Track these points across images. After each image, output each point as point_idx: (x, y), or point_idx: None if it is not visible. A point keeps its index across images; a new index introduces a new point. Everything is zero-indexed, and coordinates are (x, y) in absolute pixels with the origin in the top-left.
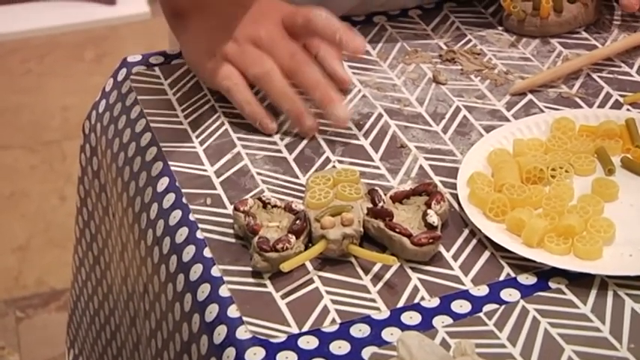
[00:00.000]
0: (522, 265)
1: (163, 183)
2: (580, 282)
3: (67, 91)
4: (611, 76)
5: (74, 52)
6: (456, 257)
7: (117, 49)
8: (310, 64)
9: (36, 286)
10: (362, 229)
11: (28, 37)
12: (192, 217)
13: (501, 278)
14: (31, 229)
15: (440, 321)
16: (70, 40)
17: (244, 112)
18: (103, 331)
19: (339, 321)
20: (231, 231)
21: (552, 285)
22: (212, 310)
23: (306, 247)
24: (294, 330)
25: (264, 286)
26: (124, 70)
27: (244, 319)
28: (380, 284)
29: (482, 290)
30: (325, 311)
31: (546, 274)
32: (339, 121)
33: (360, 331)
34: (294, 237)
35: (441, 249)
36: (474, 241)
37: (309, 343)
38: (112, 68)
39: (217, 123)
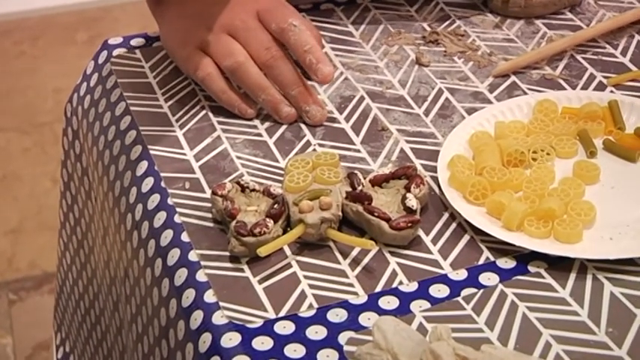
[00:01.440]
0: (502, 249)
1: (142, 167)
2: (559, 266)
3: (59, 74)
4: (595, 57)
5: (67, 33)
6: (435, 241)
7: (110, 31)
8: (285, 60)
9: (28, 268)
10: (340, 213)
11: (22, 18)
12: (170, 201)
13: (480, 262)
14: (24, 211)
15: (417, 305)
16: (64, 21)
17: (221, 101)
18: (88, 315)
19: (316, 306)
20: (209, 215)
21: (531, 269)
22: (189, 295)
23: (285, 232)
24: (271, 315)
25: (242, 270)
26: (104, 53)
27: (221, 304)
28: (358, 269)
29: (461, 274)
30: (302, 296)
31: (525, 258)
32: (314, 120)
33: (337, 315)
34: (271, 221)
35: (420, 233)
36: (454, 225)
37: (285, 328)
38: None
39: (197, 107)
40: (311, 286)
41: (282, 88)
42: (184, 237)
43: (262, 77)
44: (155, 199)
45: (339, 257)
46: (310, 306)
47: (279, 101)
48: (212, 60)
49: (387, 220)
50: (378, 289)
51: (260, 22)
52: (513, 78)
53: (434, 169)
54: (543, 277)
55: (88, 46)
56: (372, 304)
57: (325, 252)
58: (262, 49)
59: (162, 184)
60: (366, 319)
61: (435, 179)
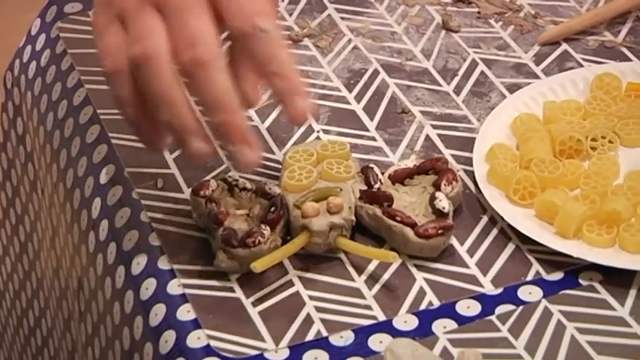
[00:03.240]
0: (555, 260)
1: (101, 152)
2: (617, 278)
3: None
4: None
5: None
6: (471, 252)
7: None
8: (217, 69)
9: None
10: (354, 218)
11: None
12: (135, 194)
13: (529, 278)
14: None
15: (441, 325)
16: None
17: (120, 109)
18: (33, 336)
19: (325, 334)
20: (189, 221)
21: (583, 281)
22: (158, 312)
23: (284, 242)
24: (270, 346)
25: (231, 290)
26: (53, 9)
27: (206, 332)
28: (377, 287)
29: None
30: (308, 322)
31: (575, 268)
32: (238, 168)
33: (341, 338)
34: (268, 228)
35: (453, 241)
36: (495, 232)
37: (277, 353)
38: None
39: None
40: (318, 309)
41: (202, 107)
42: (153, 239)
43: (175, 85)
44: (117, 191)
45: (353, 273)
46: (318, 333)
47: (191, 129)
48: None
49: (412, 225)
50: (402, 312)
51: (211, 3)
52: (565, 46)
53: (469, 162)
54: (597, 292)
55: None
56: (384, 324)
57: (335, 266)
58: (185, 45)
59: (126, 173)
60: (377, 342)
61: (471, 174)
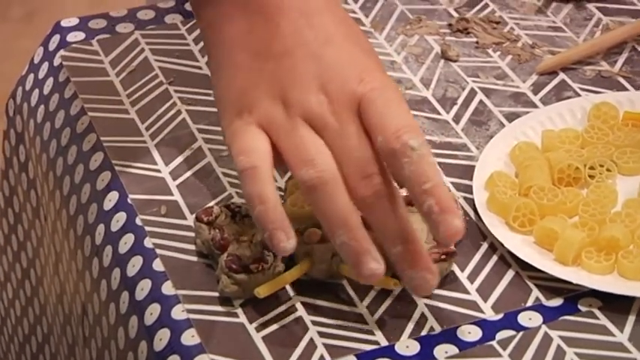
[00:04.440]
0: (555, 287)
1: (104, 179)
2: (616, 304)
3: None
4: None
5: None
6: (472, 278)
7: (51, 5)
8: (393, 200)
9: None
10: None
11: None
12: (139, 220)
13: (529, 304)
14: None
15: (442, 351)
16: None
17: (252, 209)
18: None
19: (328, 359)
20: (192, 247)
21: (582, 307)
22: (162, 337)
23: (287, 267)
24: None
25: (235, 315)
26: (56, 37)
27: (211, 356)
28: (379, 312)
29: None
30: (311, 347)
31: (574, 295)
32: (417, 292)
33: None
34: (271, 254)
35: (454, 268)
36: (495, 258)
37: None
38: (44, 31)
39: (172, 111)
40: (321, 334)
41: (379, 238)
42: (157, 265)
43: (352, 209)
44: (120, 218)
45: (355, 298)
46: (321, 358)
47: (366, 251)
48: (269, 147)
49: None
50: (404, 337)
51: (360, 120)
52: (562, 76)
53: (468, 190)
54: (597, 318)
55: (24, 23)
56: (387, 349)
57: (338, 292)
58: (360, 176)
59: (130, 200)
60: None
61: (471, 202)
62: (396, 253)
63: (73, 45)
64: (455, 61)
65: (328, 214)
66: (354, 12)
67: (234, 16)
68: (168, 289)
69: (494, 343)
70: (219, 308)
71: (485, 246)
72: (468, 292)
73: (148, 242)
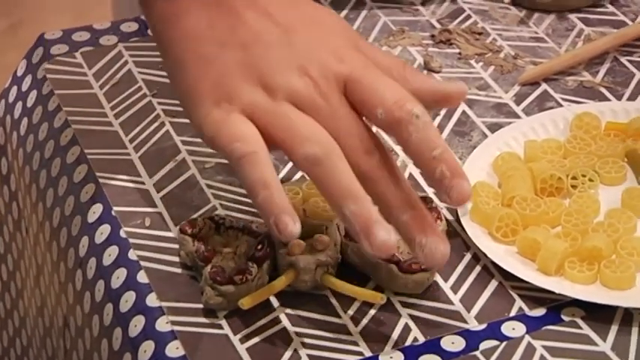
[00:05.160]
0: (538, 297)
1: (88, 191)
2: (599, 314)
3: None
4: None
5: None
6: (455, 289)
7: (36, 17)
8: (394, 171)
9: None
10: (339, 255)
11: None
12: (123, 232)
13: (512, 314)
14: None
15: None
16: None
17: (255, 198)
18: None
19: None
20: (176, 259)
21: (565, 317)
22: (147, 349)
23: (271, 279)
24: None
25: (219, 327)
26: (40, 50)
27: None
28: (363, 323)
29: (480, 324)
30: (295, 358)
31: (557, 304)
32: (430, 261)
33: None
34: (255, 265)
35: (437, 278)
36: (478, 268)
37: None
38: (28, 43)
39: (156, 123)
40: (305, 345)
41: (384, 210)
42: (141, 277)
43: (355, 180)
44: (104, 230)
45: (339, 309)
46: None
47: (375, 220)
48: (259, 132)
49: (397, 262)
50: (388, 347)
51: (347, 97)
52: (544, 86)
53: None
54: (580, 328)
55: (9, 36)
56: None
57: (321, 303)
58: (362, 152)
59: (114, 212)
60: None
61: (454, 212)
62: (406, 220)
63: (57, 57)
64: (437, 72)
65: (335, 186)
66: None
67: (191, 10)
68: (152, 300)
69: (477, 353)
70: (203, 320)
71: (468, 256)
72: (451, 303)
73: (132, 254)
